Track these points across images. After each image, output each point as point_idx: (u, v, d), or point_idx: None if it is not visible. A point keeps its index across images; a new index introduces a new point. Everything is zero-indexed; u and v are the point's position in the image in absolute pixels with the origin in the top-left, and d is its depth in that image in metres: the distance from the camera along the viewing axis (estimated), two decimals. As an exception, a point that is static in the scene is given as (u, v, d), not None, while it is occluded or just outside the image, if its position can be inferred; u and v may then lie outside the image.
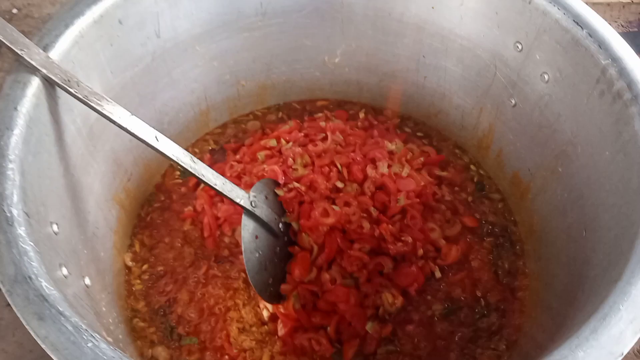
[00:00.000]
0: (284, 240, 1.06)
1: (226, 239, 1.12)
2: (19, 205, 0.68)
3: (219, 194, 0.94)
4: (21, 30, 0.76)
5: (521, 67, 1.00)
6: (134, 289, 1.06)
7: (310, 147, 1.15)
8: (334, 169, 1.11)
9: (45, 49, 0.82)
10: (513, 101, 1.06)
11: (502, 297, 1.06)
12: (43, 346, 0.57)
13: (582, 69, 0.87)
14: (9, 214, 0.66)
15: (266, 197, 1.04)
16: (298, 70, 1.25)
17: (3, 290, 0.60)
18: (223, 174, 1.17)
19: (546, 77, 0.96)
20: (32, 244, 0.65)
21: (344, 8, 1.13)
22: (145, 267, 1.09)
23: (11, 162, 0.70)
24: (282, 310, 1.00)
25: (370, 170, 1.11)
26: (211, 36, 1.10)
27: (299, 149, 1.15)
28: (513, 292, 1.07)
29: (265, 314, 1.02)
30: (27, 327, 0.58)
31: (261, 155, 1.17)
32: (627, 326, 0.59)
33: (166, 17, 0.99)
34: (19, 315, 0.59)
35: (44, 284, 0.61)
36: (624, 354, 0.57)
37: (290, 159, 1.13)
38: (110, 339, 0.63)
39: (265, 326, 1.01)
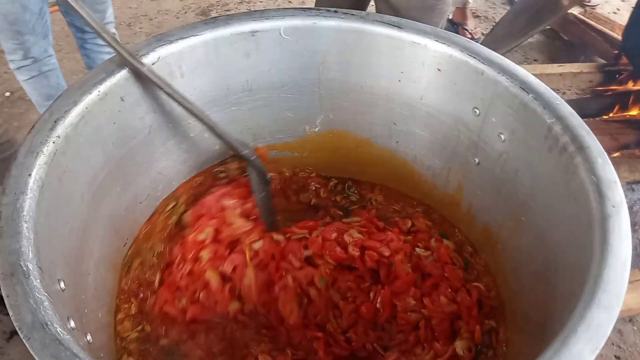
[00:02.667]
0: None
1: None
2: (34, 260, 0.74)
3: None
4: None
5: (480, 130, 1.13)
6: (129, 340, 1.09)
7: None
8: None
9: (56, 122, 0.91)
10: (477, 160, 1.18)
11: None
12: (60, 384, 0.62)
13: (532, 128, 1.00)
14: (25, 268, 0.72)
15: None
16: (282, 140, 1.36)
17: (21, 335, 0.65)
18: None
19: (502, 137, 1.08)
20: (46, 294, 0.71)
21: (322, 84, 1.26)
22: (139, 327, 1.12)
23: (26, 222, 0.78)
24: None
25: (347, 237, 1.19)
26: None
27: None
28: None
29: None
30: (44, 368, 0.63)
31: None
32: (585, 345, 0.67)
33: (162, 94, 1.10)
34: (36, 358, 0.64)
35: (58, 329, 0.67)
36: (584, 369, 0.65)
37: None
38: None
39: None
